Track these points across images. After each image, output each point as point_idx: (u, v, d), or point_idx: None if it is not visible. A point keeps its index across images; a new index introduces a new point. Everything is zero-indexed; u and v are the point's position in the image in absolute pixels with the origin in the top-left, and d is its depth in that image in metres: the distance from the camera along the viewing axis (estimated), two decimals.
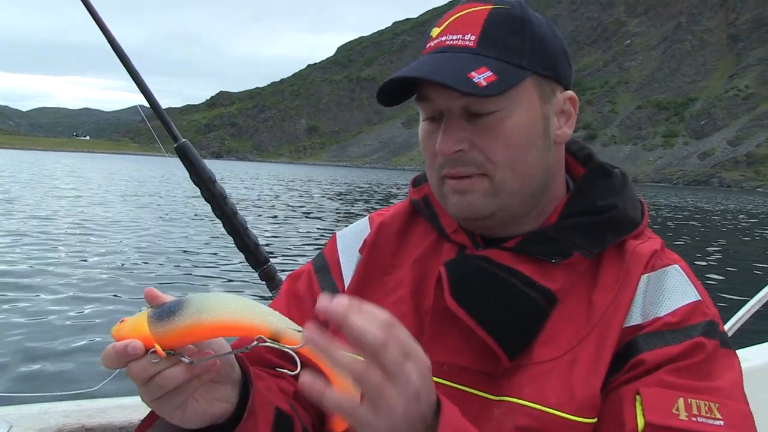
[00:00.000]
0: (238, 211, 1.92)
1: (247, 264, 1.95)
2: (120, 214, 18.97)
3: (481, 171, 0.97)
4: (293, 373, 0.77)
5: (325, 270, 1.18)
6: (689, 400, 0.86)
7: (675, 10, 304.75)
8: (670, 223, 28.23)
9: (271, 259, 1.98)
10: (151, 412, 0.91)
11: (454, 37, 0.97)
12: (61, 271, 9.56)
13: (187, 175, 1.86)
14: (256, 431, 0.91)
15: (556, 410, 0.90)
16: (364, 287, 1.11)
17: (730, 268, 14.04)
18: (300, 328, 0.75)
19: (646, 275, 0.98)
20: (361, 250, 1.16)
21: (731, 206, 56.68)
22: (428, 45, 1.01)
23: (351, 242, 1.19)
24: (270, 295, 1.96)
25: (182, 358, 0.80)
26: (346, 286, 1.13)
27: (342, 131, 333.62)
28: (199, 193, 1.88)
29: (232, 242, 1.93)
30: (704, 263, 14.45)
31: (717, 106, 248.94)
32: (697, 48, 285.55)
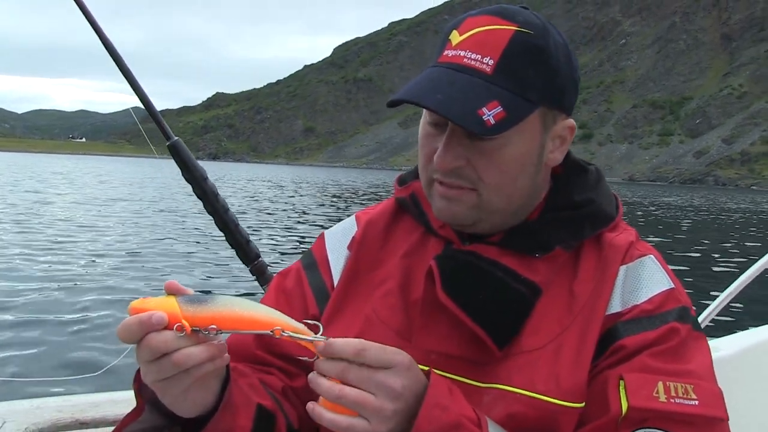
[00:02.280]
0: (230, 208, 1.96)
1: (239, 259, 2.00)
2: (113, 213, 19.21)
3: (471, 186, 1.01)
4: (311, 360, 0.86)
5: (313, 267, 1.21)
6: (667, 383, 0.92)
7: (669, 10, 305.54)
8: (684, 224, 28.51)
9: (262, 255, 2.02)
10: (137, 407, 0.94)
11: (473, 56, 0.97)
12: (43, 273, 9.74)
13: (180, 172, 1.89)
14: (234, 425, 0.94)
15: (544, 396, 0.95)
16: (354, 283, 1.14)
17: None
18: (313, 336, 0.86)
19: (624, 266, 1.03)
20: (349, 247, 1.19)
21: (730, 205, 57.05)
22: (445, 52, 1.00)
23: (339, 240, 1.22)
24: (261, 290, 1.99)
25: (206, 333, 0.81)
26: (335, 282, 1.16)
27: (338, 132, 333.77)
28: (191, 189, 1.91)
29: (224, 238, 1.98)
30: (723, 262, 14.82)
31: (711, 104, 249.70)
32: (691, 47, 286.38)
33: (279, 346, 1.09)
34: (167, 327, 0.79)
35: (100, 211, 20.12)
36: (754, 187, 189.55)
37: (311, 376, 0.85)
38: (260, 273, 2.01)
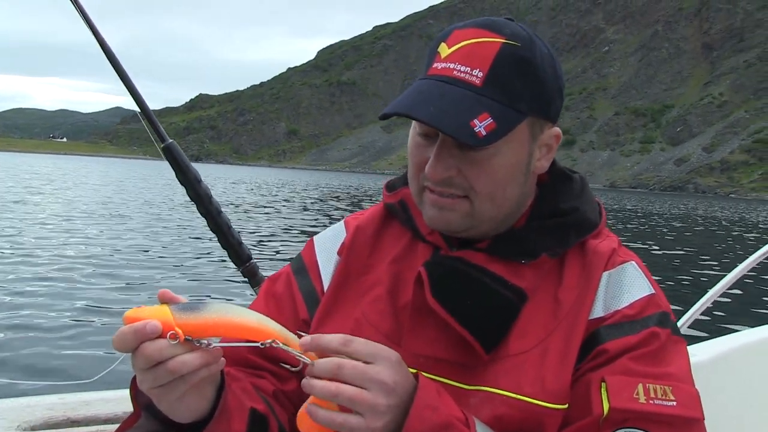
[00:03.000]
0: (222, 211, 1.97)
1: (230, 261, 2.02)
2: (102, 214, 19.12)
3: (463, 194, 1.03)
4: (295, 369, 0.90)
5: (303, 272, 1.22)
6: (647, 385, 0.95)
7: (652, 19, 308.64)
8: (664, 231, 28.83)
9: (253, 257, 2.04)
10: (133, 413, 0.97)
11: (462, 69, 0.99)
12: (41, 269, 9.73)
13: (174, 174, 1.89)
14: (230, 430, 0.96)
15: (530, 398, 0.98)
16: (344, 287, 1.16)
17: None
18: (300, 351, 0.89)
19: (607, 272, 1.07)
20: (339, 252, 1.21)
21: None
22: (434, 65, 1.03)
23: (328, 245, 1.24)
24: (253, 292, 2.05)
25: (199, 343, 0.83)
26: (325, 287, 1.18)
27: (322, 135, 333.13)
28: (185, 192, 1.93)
29: (216, 240, 1.99)
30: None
31: (692, 113, 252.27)
32: (673, 56, 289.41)
33: (271, 351, 1.06)
34: (161, 335, 0.81)
35: (85, 210, 19.94)
36: (732, 195, 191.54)
37: (304, 381, 0.87)
38: (252, 275, 2.03)
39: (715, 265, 16.25)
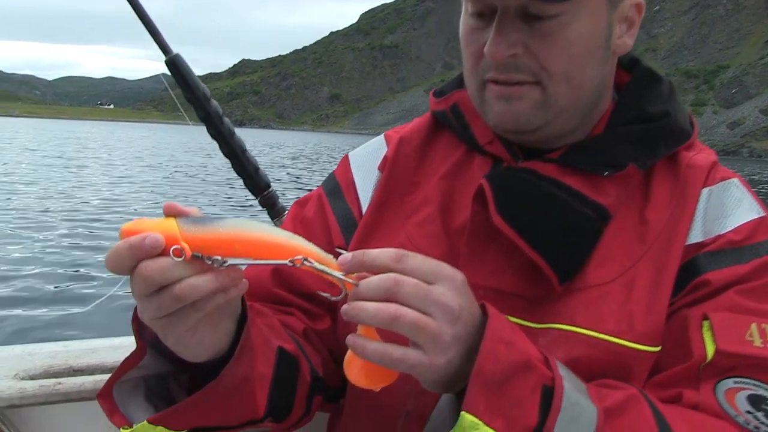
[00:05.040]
0: (236, 133, 1.78)
1: (247, 190, 1.82)
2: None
3: (534, 79, 0.87)
4: (335, 298, 0.71)
5: (337, 193, 1.06)
6: (762, 325, 0.79)
7: None
8: None
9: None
10: (136, 351, 0.79)
11: None
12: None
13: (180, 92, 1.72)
14: (253, 373, 0.80)
15: (615, 337, 0.82)
16: (386, 208, 1.01)
17: None
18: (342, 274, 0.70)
19: (707, 189, 0.90)
20: (380, 168, 1.05)
21: None
22: None
23: (367, 161, 1.08)
24: (272, 223, 1.82)
25: (211, 261, 0.65)
26: (364, 208, 1.03)
27: (364, 99, 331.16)
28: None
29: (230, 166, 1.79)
30: None
31: (750, 73, 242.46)
32: (731, 12, 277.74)
33: (300, 284, 0.96)
34: (164, 252, 0.64)
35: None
36: None
37: (346, 307, 0.68)
38: (271, 204, 1.83)
39: None
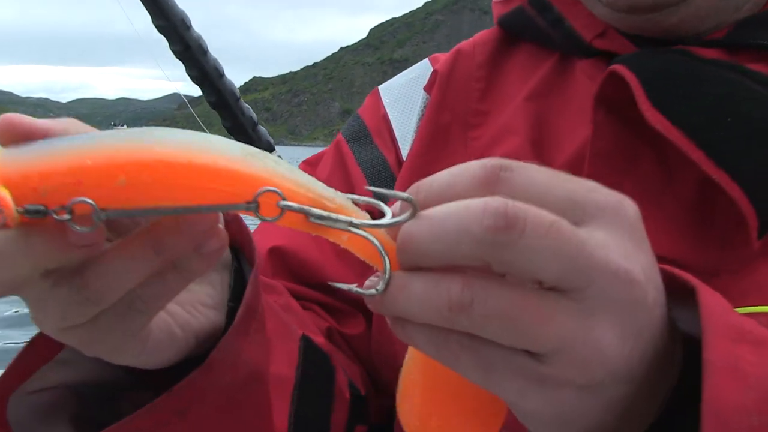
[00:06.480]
0: (226, 75, 1.25)
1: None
2: None
3: None
4: (368, 292, 0.34)
5: (363, 136, 0.74)
6: None
7: None
8: None
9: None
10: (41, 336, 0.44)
11: None
12: None
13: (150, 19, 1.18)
14: (265, 364, 0.47)
15: None
16: (442, 143, 0.68)
17: None
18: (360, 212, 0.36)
19: None
20: (427, 88, 0.73)
21: None
22: None
23: (406, 90, 0.75)
24: None
25: (55, 214, 0.31)
26: (404, 153, 0.71)
27: None
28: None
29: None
30: None
31: None
32: None
33: (316, 268, 0.66)
34: None
35: None
36: None
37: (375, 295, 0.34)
38: None
39: None
